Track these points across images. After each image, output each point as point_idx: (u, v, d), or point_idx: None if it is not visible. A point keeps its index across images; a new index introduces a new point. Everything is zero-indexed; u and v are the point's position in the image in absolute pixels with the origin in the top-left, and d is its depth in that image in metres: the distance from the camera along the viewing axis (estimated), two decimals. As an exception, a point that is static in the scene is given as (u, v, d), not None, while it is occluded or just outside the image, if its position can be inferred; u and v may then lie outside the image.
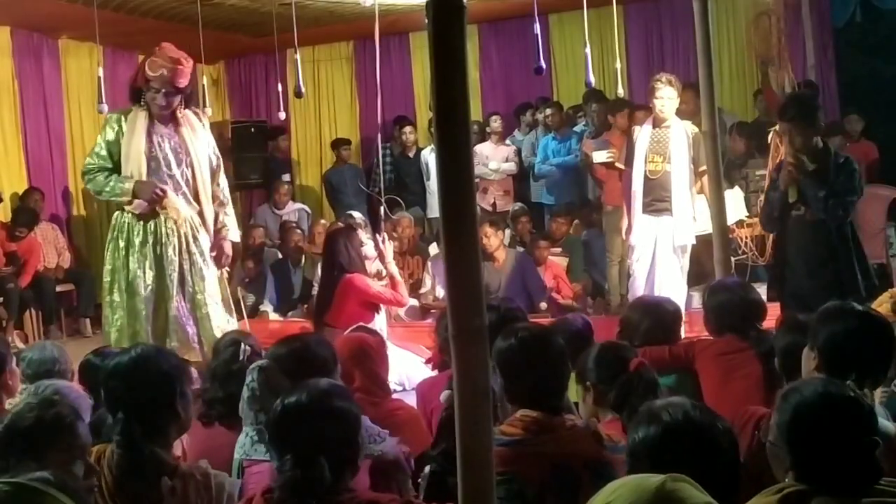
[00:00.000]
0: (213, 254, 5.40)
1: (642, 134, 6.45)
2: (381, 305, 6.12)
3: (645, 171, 6.38)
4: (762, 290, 4.99)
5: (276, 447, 2.35)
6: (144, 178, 5.13)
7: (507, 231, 8.64)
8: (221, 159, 5.61)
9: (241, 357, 3.55)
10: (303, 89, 6.28)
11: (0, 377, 3.53)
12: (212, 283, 5.32)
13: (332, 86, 11.49)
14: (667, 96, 6.29)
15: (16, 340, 7.81)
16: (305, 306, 8.17)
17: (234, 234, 5.58)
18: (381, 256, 6.27)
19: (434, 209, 9.50)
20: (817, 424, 2.06)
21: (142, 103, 5.20)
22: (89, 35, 7.49)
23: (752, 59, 9.47)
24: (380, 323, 5.98)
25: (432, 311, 7.44)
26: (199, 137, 5.36)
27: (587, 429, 2.70)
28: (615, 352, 3.10)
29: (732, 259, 6.00)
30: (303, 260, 8.76)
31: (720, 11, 9.11)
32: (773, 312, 4.29)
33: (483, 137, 9.60)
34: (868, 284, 4.71)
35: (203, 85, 8.08)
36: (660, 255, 6.35)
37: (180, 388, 2.70)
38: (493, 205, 9.44)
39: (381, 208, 7.15)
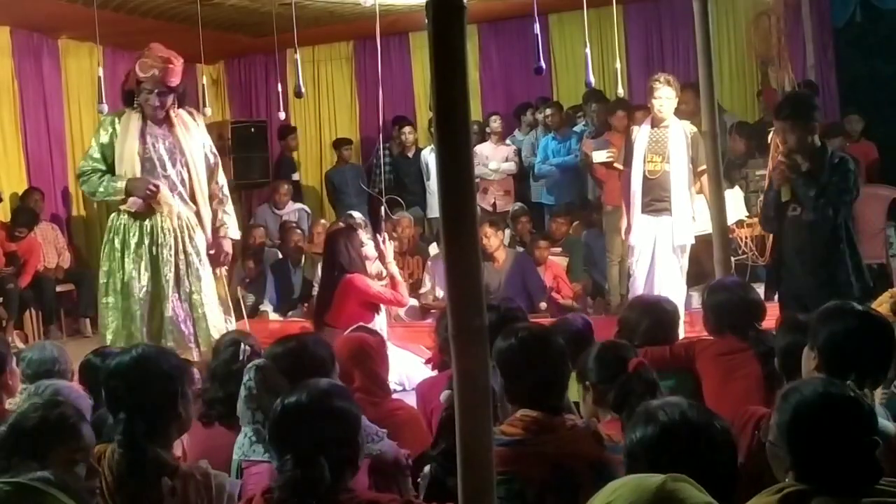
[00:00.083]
0: (212, 252, 5.40)
1: (641, 134, 6.45)
2: (382, 305, 6.12)
3: (644, 171, 6.39)
4: (761, 290, 5.00)
5: (276, 447, 2.35)
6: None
7: (507, 231, 8.64)
8: (219, 157, 5.61)
9: (240, 357, 3.55)
10: (303, 89, 6.28)
11: (0, 377, 3.53)
12: (208, 283, 5.32)
13: (332, 86, 11.49)
14: (665, 96, 6.29)
15: (16, 340, 7.81)
16: (305, 306, 8.17)
17: (233, 232, 5.58)
18: (381, 256, 6.27)
19: (434, 209, 9.50)
20: (817, 424, 2.06)
21: (135, 105, 5.20)
22: (89, 35, 7.49)
23: (752, 59, 9.48)
24: (380, 323, 5.99)
25: (432, 311, 7.45)
26: (194, 137, 5.35)
27: (587, 429, 2.70)
28: (615, 351, 3.10)
29: (732, 259, 6.00)
30: (303, 260, 8.76)
31: (720, 11, 9.10)
32: (772, 312, 4.29)
33: (483, 137, 9.60)
34: (862, 285, 4.69)
35: (203, 85, 8.10)
36: (659, 254, 6.35)
37: (181, 388, 2.70)
38: (494, 205, 9.43)
39: (382, 208, 7.15)
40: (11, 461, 2.29)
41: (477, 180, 7.89)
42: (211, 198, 5.45)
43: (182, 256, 5.22)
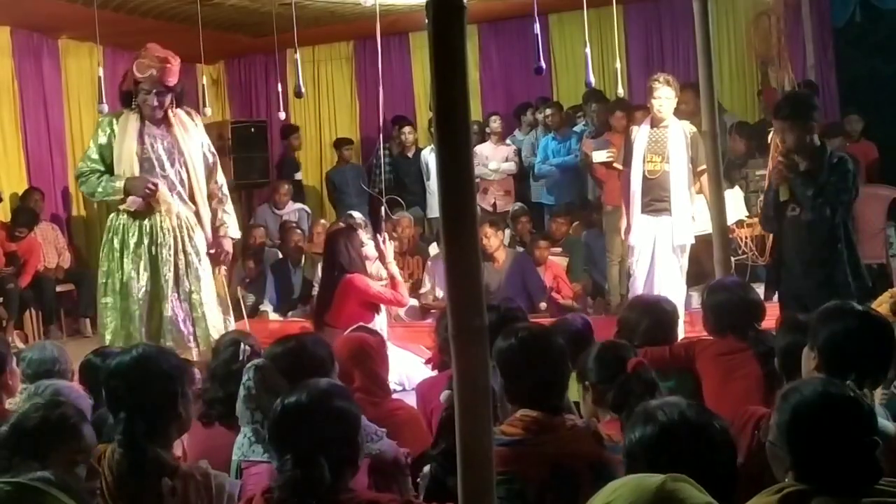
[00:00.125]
0: (213, 251, 5.40)
1: (640, 134, 6.45)
2: (382, 305, 6.12)
3: (643, 171, 6.39)
4: (761, 290, 4.99)
5: (276, 447, 2.35)
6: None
7: (507, 231, 8.64)
8: (217, 157, 5.61)
9: (240, 357, 3.55)
10: (303, 89, 6.28)
11: (0, 377, 3.53)
12: (207, 283, 5.32)
13: (332, 86, 11.49)
14: (664, 96, 6.29)
15: (16, 340, 7.81)
16: (306, 306, 8.17)
17: (233, 230, 5.57)
18: (381, 256, 6.27)
19: (434, 209, 9.50)
20: (817, 424, 2.06)
21: (133, 106, 5.20)
22: (89, 35, 7.49)
23: (752, 59, 9.47)
24: (380, 323, 5.99)
25: (432, 311, 7.45)
26: (192, 136, 5.36)
27: (587, 429, 2.70)
28: (615, 351, 3.09)
29: (732, 259, 6.00)
30: (303, 260, 8.76)
31: (720, 11, 9.10)
32: (772, 312, 4.29)
33: (483, 138, 9.60)
34: (860, 286, 4.67)
35: (203, 85, 8.09)
36: (659, 254, 6.35)
37: (182, 388, 2.70)
38: (494, 205, 9.43)
39: (382, 208, 7.15)
40: (13, 461, 2.29)
41: (477, 180, 7.90)
42: (210, 197, 5.44)
43: (181, 256, 5.22)
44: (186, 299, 5.23)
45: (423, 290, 8.07)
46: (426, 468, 2.98)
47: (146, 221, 5.18)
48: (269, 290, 8.60)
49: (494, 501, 2.11)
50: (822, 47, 9.70)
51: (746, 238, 7.29)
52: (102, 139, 5.21)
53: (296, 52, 6.29)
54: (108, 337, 5.15)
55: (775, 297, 5.09)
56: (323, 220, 9.64)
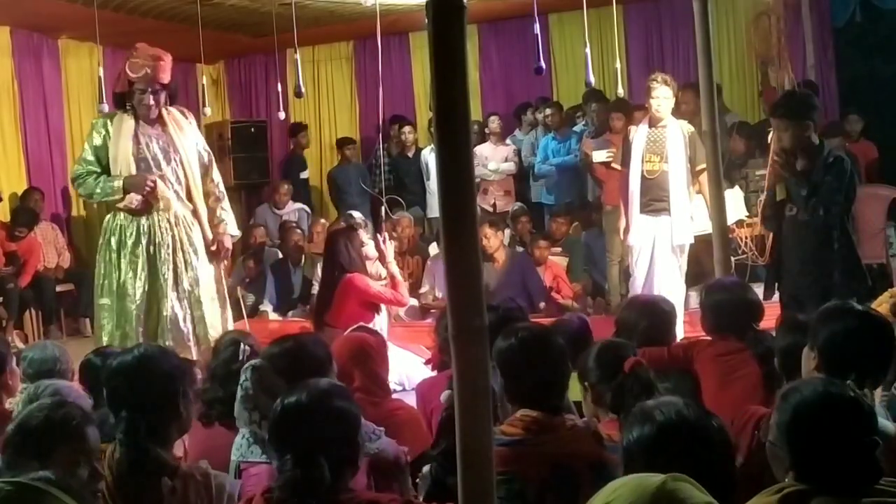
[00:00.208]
0: (213, 248, 5.39)
1: (639, 134, 6.44)
2: (383, 305, 6.12)
3: (642, 171, 6.38)
4: (761, 290, 4.99)
5: (276, 447, 2.35)
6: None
7: (507, 231, 8.64)
8: (212, 155, 5.61)
9: (240, 357, 3.55)
10: (303, 89, 6.28)
11: (0, 377, 3.53)
12: (206, 282, 5.32)
13: (332, 86, 11.49)
14: (663, 96, 6.29)
15: (16, 340, 7.81)
16: (306, 306, 8.17)
17: (232, 228, 5.57)
18: (381, 256, 6.27)
19: (434, 209, 9.49)
20: (817, 424, 2.06)
21: (127, 108, 5.20)
22: (89, 35, 7.49)
23: (752, 59, 9.47)
24: (381, 323, 5.99)
25: (432, 311, 7.45)
26: (187, 135, 5.36)
27: (587, 429, 2.70)
28: (614, 352, 3.09)
29: (732, 259, 6.00)
30: (303, 260, 8.77)
31: (720, 11, 9.10)
32: (772, 312, 4.29)
33: (483, 138, 9.60)
34: (857, 286, 4.65)
35: (203, 85, 8.10)
36: (658, 254, 6.35)
37: (183, 388, 2.70)
38: (494, 205, 9.43)
39: (382, 208, 7.16)
40: (16, 460, 2.29)
41: (477, 181, 7.90)
42: (207, 195, 5.44)
43: (180, 255, 5.22)
44: (186, 298, 5.23)
45: (422, 290, 8.07)
46: (425, 468, 2.98)
47: (144, 221, 5.18)
48: (269, 289, 8.60)
49: (494, 501, 2.11)
50: (822, 47, 9.70)
51: (746, 238, 7.29)
52: (97, 140, 5.21)
53: (296, 52, 6.29)
54: (104, 338, 5.14)
55: (775, 297, 5.10)
56: (323, 220, 9.63)
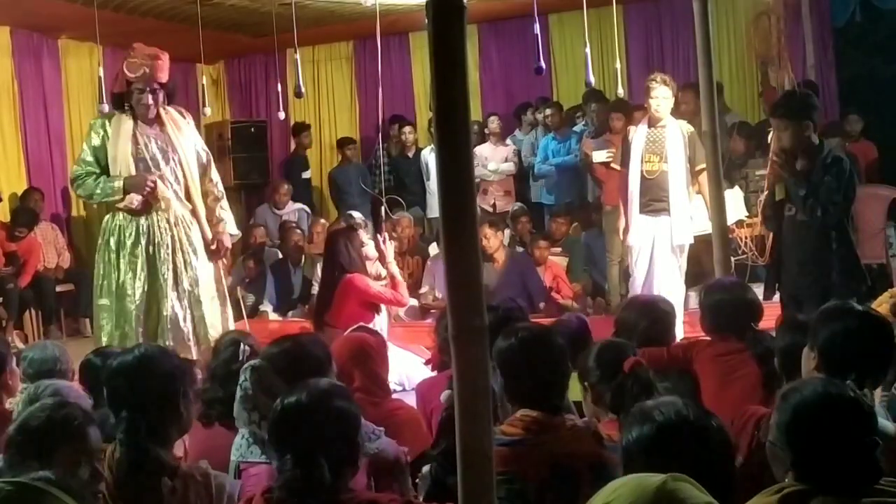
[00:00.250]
0: (213, 247, 5.39)
1: (638, 134, 6.44)
2: (383, 306, 6.12)
3: (641, 171, 6.38)
4: (761, 290, 4.99)
5: (276, 447, 2.35)
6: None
7: (507, 231, 8.64)
8: (210, 154, 5.62)
9: (240, 357, 3.55)
10: (303, 89, 6.28)
11: (0, 377, 3.53)
12: (206, 282, 5.32)
13: (332, 86, 11.49)
14: (662, 96, 6.29)
15: (16, 340, 7.81)
16: (306, 306, 8.17)
17: (231, 227, 5.57)
18: (381, 256, 6.27)
19: (434, 209, 9.49)
20: (817, 424, 2.06)
21: (125, 108, 5.20)
22: (89, 35, 7.49)
23: (752, 59, 9.47)
24: (381, 323, 5.99)
25: (432, 311, 7.45)
26: (185, 134, 5.36)
27: (587, 428, 2.70)
28: (614, 352, 3.09)
29: (732, 259, 6.00)
30: (303, 260, 8.77)
31: (720, 12, 9.10)
32: (772, 313, 4.29)
33: (483, 138, 9.60)
34: (855, 287, 4.64)
35: (203, 85, 8.10)
36: (658, 255, 6.35)
37: (183, 388, 2.71)
38: (494, 205, 9.43)
39: (382, 208, 7.16)
40: (18, 460, 2.30)
41: (476, 181, 7.90)
42: (206, 194, 5.45)
43: (179, 254, 5.22)
44: (186, 298, 5.23)
45: (422, 290, 8.07)
46: (425, 468, 2.98)
47: (143, 221, 5.18)
48: (269, 290, 8.60)
49: (494, 501, 2.11)
50: (822, 47, 9.69)
51: (746, 238, 7.29)
52: (96, 141, 5.21)
53: (296, 52, 6.30)
54: (103, 338, 5.13)
55: (775, 297, 5.09)
56: (322, 220, 9.64)
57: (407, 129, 10.33)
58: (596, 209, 8.42)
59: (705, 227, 5.80)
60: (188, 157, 5.32)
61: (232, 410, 3.20)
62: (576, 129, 9.31)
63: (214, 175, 5.54)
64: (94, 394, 3.50)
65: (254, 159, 10.86)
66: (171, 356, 2.86)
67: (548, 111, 9.49)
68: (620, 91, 6.35)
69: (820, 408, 2.08)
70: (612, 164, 7.16)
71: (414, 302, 7.71)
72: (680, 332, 5.22)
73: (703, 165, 5.92)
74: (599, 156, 7.73)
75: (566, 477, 2.56)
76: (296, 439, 2.29)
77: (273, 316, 8.31)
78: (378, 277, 6.27)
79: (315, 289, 7.53)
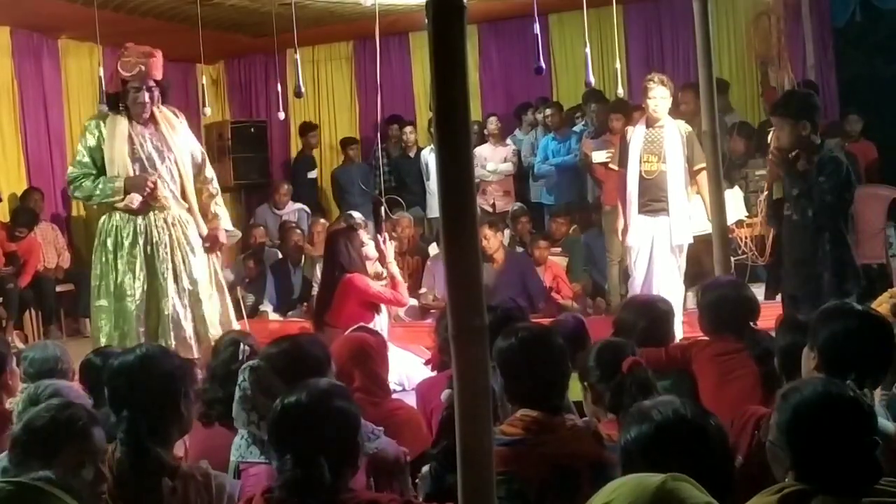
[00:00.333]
0: (208, 245, 5.40)
1: (636, 134, 6.44)
2: (383, 306, 6.12)
3: (640, 172, 6.38)
4: (761, 290, 5.00)
5: (276, 447, 2.35)
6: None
7: (507, 231, 8.64)
8: (205, 153, 5.63)
9: (240, 357, 3.55)
10: (303, 89, 6.28)
11: (0, 377, 3.53)
12: (205, 280, 5.32)
13: (332, 86, 11.49)
14: (660, 96, 6.28)
15: (16, 340, 7.81)
16: (305, 306, 8.17)
17: (226, 222, 5.58)
18: (381, 257, 6.27)
19: (434, 209, 9.49)
20: (817, 424, 2.06)
21: (120, 108, 5.20)
22: (89, 35, 7.49)
23: (752, 59, 9.47)
24: (381, 323, 5.99)
25: (432, 311, 7.45)
26: (179, 133, 5.38)
27: (587, 428, 2.71)
28: (614, 351, 3.10)
29: (732, 259, 6.01)
30: (303, 260, 8.77)
31: (720, 12, 9.10)
32: (770, 312, 4.29)
33: (482, 139, 9.60)
34: (849, 288, 4.63)
35: (203, 85, 8.10)
36: (657, 255, 6.35)
37: (184, 389, 2.71)
38: (493, 205, 9.44)
39: (382, 208, 7.16)
40: (22, 460, 2.30)
41: (476, 181, 7.89)
42: (201, 192, 5.46)
43: (178, 253, 5.23)
44: (186, 296, 5.24)
45: (422, 290, 8.07)
46: (425, 468, 2.98)
47: (140, 220, 5.18)
48: (269, 290, 8.61)
49: (494, 501, 2.11)
50: (822, 47, 9.69)
51: (746, 238, 7.29)
52: (92, 142, 5.21)
53: (296, 52, 6.29)
54: (102, 339, 5.13)
55: (777, 297, 5.09)
56: (323, 220, 9.64)
57: (408, 129, 10.33)
58: (595, 209, 8.42)
59: (704, 226, 5.80)
60: (183, 155, 5.33)
61: (232, 410, 3.20)
62: (576, 129, 9.32)
63: (209, 172, 5.56)
64: (94, 394, 3.50)
65: (254, 159, 10.86)
66: (171, 356, 2.86)
67: (548, 111, 9.49)
68: (620, 91, 6.35)
69: (820, 408, 2.08)
70: (611, 165, 7.16)
71: (414, 302, 7.71)
72: (679, 332, 5.22)
73: (702, 165, 5.92)
74: (599, 156, 7.73)
75: (566, 477, 2.56)
76: (295, 439, 2.29)
77: (273, 316, 8.31)
78: (378, 277, 6.27)
79: (315, 289, 7.53)
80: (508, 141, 9.85)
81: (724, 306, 3.88)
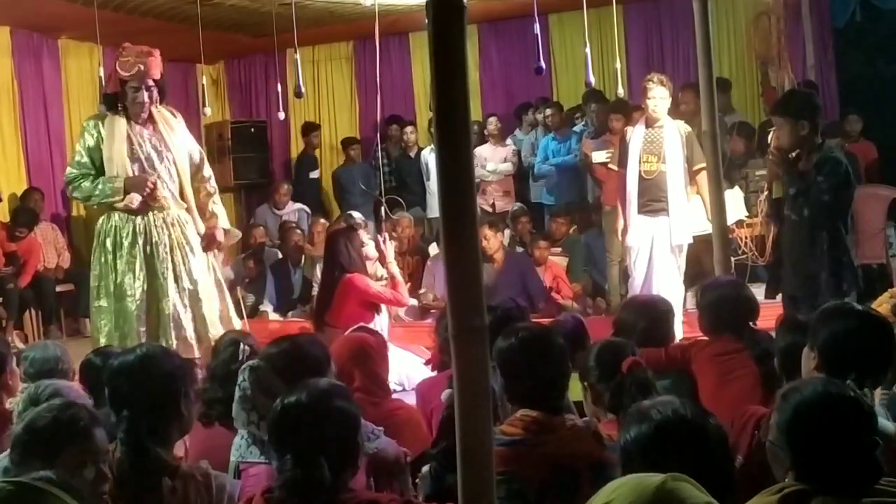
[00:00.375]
0: (205, 243, 5.40)
1: (635, 134, 6.44)
2: (383, 306, 6.12)
3: (640, 172, 6.37)
4: (762, 290, 5.00)
5: (276, 447, 2.35)
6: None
7: (507, 231, 8.64)
8: (203, 152, 5.63)
9: (240, 357, 3.55)
10: (303, 89, 6.29)
11: (0, 377, 3.53)
12: (205, 279, 5.32)
13: (332, 86, 11.49)
14: (659, 96, 6.28)
15: (16, 340, 7.81)
16: (306, 306, 8.17)
17: (223, 221, 5.58)
18: (381, 257, 6.27)
19: (434, 209, 9.49)
20: (817, 424, 2.06)
21: (118, 108, 5.20)
22: (89, 35, 7.49)
23: (752, 59, 9.48)
24: (381, 323, 5.99)
25: (432, 311, 7.45)
26: (177, 133, 5.37)
27: (587, 428, 2.71)
28: (614, 351, 3.10)
29: (732, 259, 6.01)
30: (303, 260, 8.77)
31: (720, 12, 9.10)
32: (770, 312, 4.28)
33: (482, 139, 9.60)
34: (845, 289, 4.62)
35: (203, 85, 8.10)
36: (657, 255, 6.35)
37: (185, 389, 2.71)
38: (493, 205, 9.44)
39: (382, 208, 7.16)
40: (24, 460, 2.30)
41: (475, 181, 7.89)
42: (199, 191, 5.46)
43: (178, 252, 5.23)
44: (186, 296, 5.24)
45: (422, 290, 8.07)
46: (425, 468, 2.99)
47: (139, 220, 5.18)
48: (269, 290, 8.61)
49: (494, 501, 2.11)
50: (822, 47, 9.69)
51: (746, 238, 7.29)
52: (90, 142, 5.21)
53: (296, 52, 6.30)
54: (102, 340, 5.12)
55: (778, 297, 5.09)
56: (323, 220, 9.64)
57: (408, 128, 10.33)
58: (596, 209, 8.42)
59: (704, 227, 5.80)
60: (181, 155, 5.34)
61: (232, 410, 3.20)
62: (576, 129, 9.31)
63: (207, 171, 5.56)
64: (94, 394, 3.50)
65: (254, 159, 10.87)
66: (172, 356, 2.86)
67: (548, 111, 9.49)
68: (620, 91, 6.36)
69: (820, 408, 2.08)
70: (610, 165, 7.16)
71: (414, 302, 7.71)
72: (679, 333, 5.22)
73: (702, 165, 5.93)
74: (599, 156, 7.73)
75: (566, 477, 2.56)
76: (296, 439, 2.29)
77: (273, 316, 8.31)
78: (378, 277, 6.27)
79: (315, 289, 7.53)
80: (508, 141, 9.84)
81: (724, 306, 3.88)
